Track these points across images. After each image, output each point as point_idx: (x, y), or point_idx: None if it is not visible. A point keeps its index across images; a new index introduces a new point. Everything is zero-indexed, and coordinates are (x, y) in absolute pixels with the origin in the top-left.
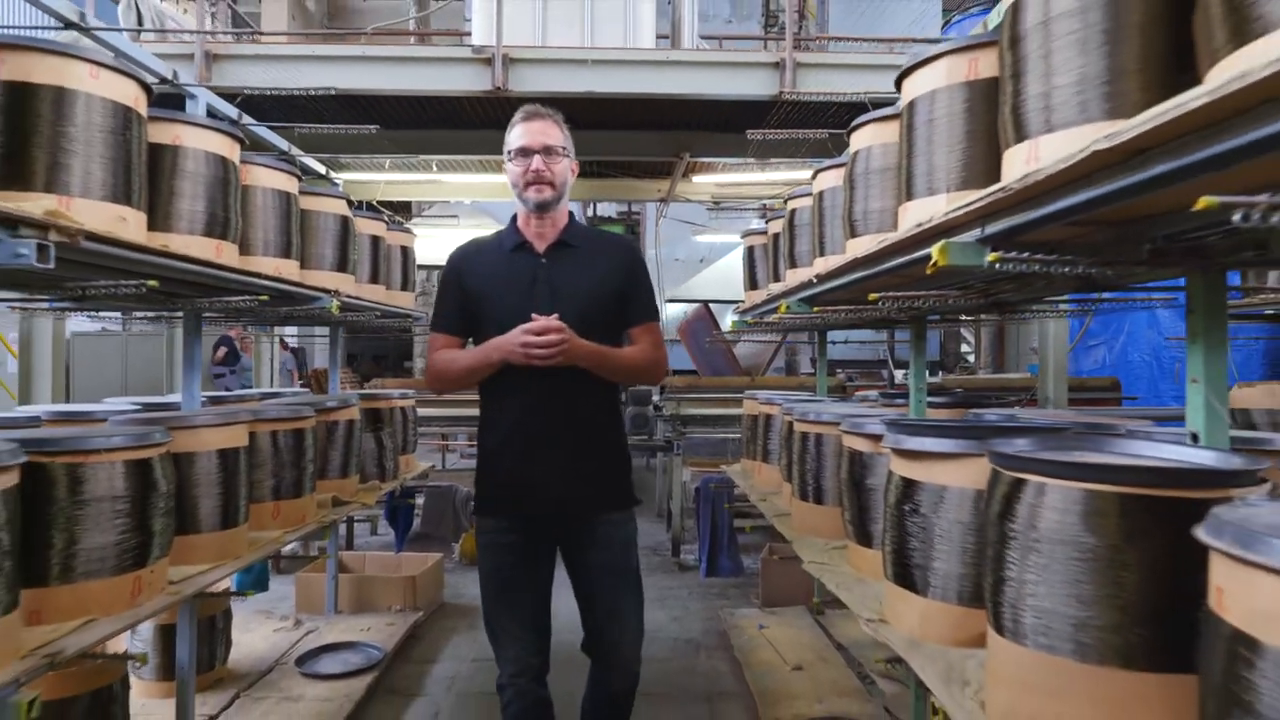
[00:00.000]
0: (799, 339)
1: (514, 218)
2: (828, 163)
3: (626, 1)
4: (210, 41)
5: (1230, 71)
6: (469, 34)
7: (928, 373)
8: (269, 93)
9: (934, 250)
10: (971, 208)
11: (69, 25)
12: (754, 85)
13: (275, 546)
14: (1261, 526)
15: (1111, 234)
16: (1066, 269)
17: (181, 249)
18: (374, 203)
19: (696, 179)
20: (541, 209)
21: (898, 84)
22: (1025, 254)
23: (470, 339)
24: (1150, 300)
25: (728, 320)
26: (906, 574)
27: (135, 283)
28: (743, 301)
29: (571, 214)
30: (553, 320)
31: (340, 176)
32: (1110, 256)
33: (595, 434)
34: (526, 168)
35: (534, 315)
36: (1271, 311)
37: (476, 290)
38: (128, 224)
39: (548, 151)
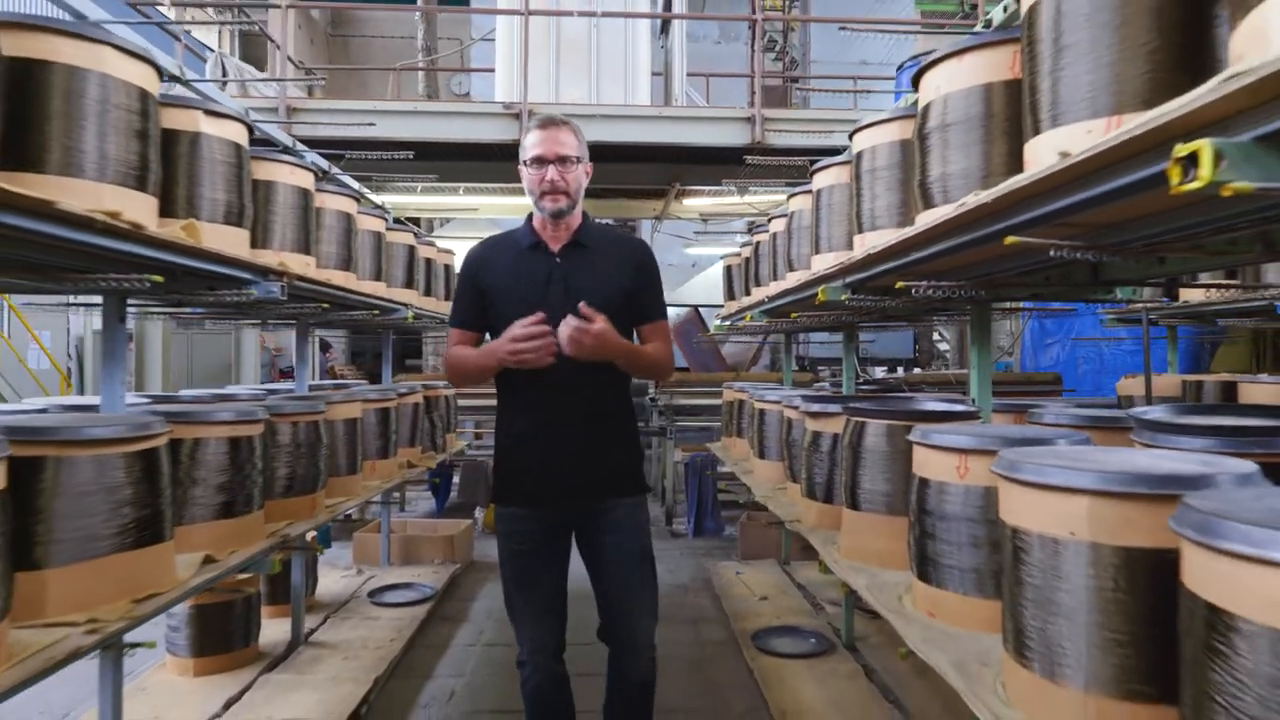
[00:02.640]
0: (781, 339)
1: (529, 216)
2: (775, 212)
3: (626, 65)
4: (290, 97)
5: (922, 220)
6: (474, 69)
7: (902, 368)
8: (369, 156)
9: (818, 290)
10: (834, 268)
11: (248, 128)
12: (730, 136)
13: (377, 491)
14: (935, 430)
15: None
16: (886, 303)
17: (333, 280)
18: (403, 219)
19: (686, 202)
20: (556, 217)
21: (811, 175)
22: (863, 296)
23: (487, 334)
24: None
25: (714, 323)
26: (810, 490)
27: (314, 305)
28: (723, 308)
29: (586, 214)
30: (539, 325)
31: (380, 197)
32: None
33: (607, 426)
34: (542, 177)
35: (546, 316)
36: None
37: (492, 287)
38: (310, 267)
39: (562, 161)
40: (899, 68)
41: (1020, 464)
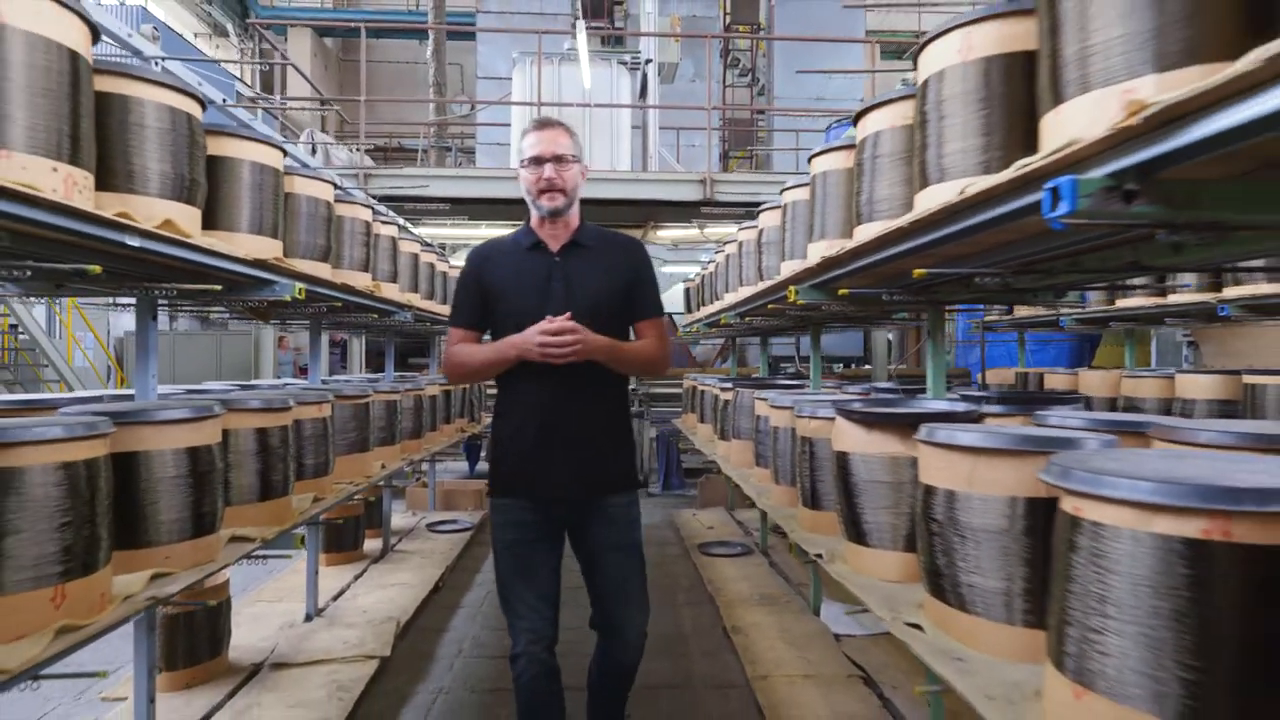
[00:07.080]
0: (749, 341)
1: (528, 219)
2: (713, 256)
3: (611, 136)
4: (365, 167)
5: (759, 286)
6: (481, 123)
7: (854, 364)
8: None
9: (721, 317)
10: (729, 304)
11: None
12: (689, 193)
13: (448, 442)
14: (761, 391)
15: (786, 315)
16: (768, 324)
17: (425, 306)
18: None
19: (660, 233)
20: (554, 215)
21: (723, 244)
22: (746, 320)
23: (486, 333)
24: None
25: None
26: (723, 435)
27: (423, 323)
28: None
29: (583, 216)
30: (567, 321)
31: (423, 229)
32: (788, 322)
33: (603, 424)
34: (539, 176)
35: (549, 314)
36: (1033, 321)
37: (494, 287)
38: (419, 300)
39: (558, 160)
40: (827, 128)
41: (797, 404)
